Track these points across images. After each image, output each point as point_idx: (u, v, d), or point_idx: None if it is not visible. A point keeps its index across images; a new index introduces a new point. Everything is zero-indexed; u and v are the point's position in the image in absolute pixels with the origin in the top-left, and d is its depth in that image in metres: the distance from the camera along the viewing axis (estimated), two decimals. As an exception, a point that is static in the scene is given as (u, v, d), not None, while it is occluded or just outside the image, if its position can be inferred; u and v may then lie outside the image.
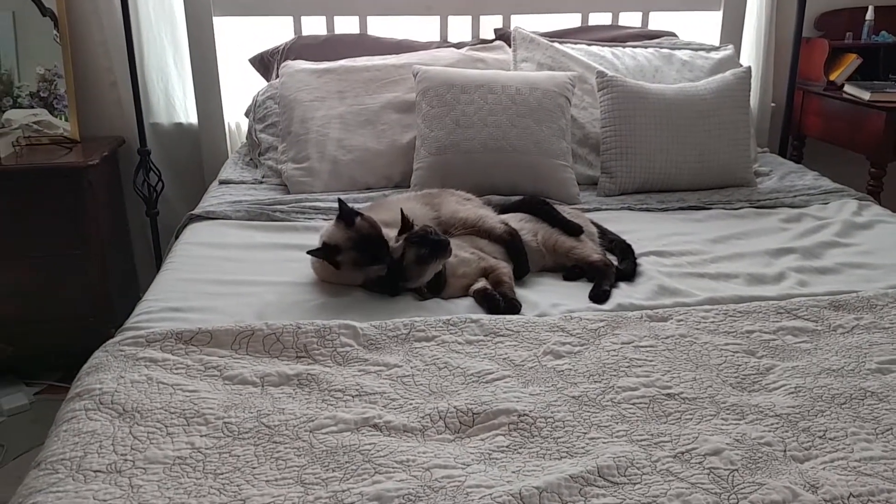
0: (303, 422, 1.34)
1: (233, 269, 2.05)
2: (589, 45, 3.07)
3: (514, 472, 1.22)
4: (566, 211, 2.23)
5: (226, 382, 1.46)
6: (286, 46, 3.13)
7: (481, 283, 1.92)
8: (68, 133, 3.17)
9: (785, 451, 1.29)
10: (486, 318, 1.71)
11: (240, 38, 3.31)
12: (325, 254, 1.88)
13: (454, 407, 1.38)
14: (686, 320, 1.74)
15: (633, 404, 1.42)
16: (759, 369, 1.55)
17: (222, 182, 2.79)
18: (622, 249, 2.16)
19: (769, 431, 1.33)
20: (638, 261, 2.11)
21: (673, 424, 1.36)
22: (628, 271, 2.04)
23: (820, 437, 1.32)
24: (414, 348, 1.59)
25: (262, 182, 2.78)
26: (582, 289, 1.95)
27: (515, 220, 2.16)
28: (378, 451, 1.26)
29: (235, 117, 3.39)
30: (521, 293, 1.92)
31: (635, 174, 2.69)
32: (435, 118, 2.64)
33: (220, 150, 3.29)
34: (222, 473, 1.20)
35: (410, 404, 1.40)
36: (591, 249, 2.08)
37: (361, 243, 1.87)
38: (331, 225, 1.96)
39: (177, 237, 2.36)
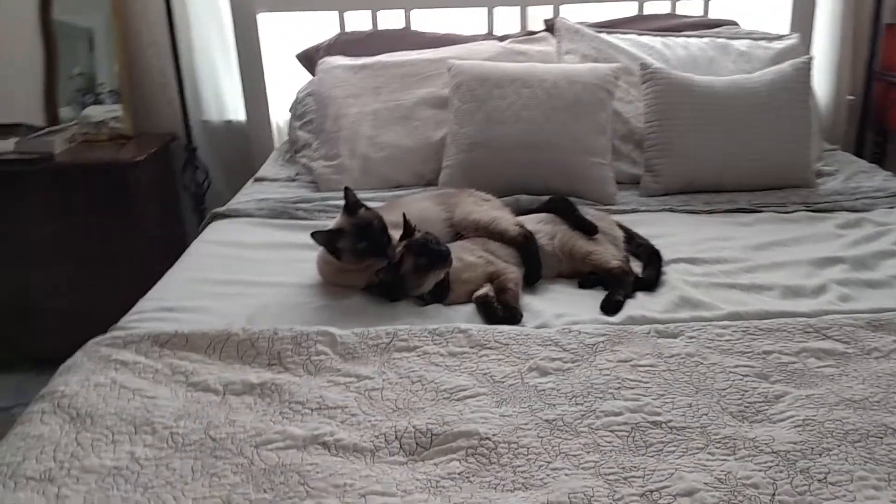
0: (250, 436, 1.27)
1: (241, 268, 2.02)
2: (639, 35, 2.89)
3: (456, 504, 1.12)
4: (589, 213, 2.09)
5: (188, 389, 1.41)
6: (329, 42, 3.09)
7: (484, 290, 1.81)
8: (123, 130, 3.24)
9: (773, 495, 1.13)
10: (476, 328, 1.60)
11: (289, 34, 3.29)
12: (326, 238, 1.82)
13: (413, 426, 1.29)
14: (698, 337, 1.57)
15: (612, 432, 1.28)
16: (768, 397, 1.38)
17: (257, 179, 2.78)
18: (648, 255, 2.00)
19: (759, 471, 1.17)
20: (665, 268, 1.95)
21: (651, 457, 1.22)
22: (649, 280, 1.89)
23: (819, 481, 1.15)
24: (392, 359, 1.50)
25: (294, 180, 2.75)
26: (595, 298, 1.81)
27: (533, 223, 2.04)
28: (317, 472, 1.18)
29: (284, 114, 3.39)
30: (527, 301, 1.80)
31: (680, 173, 2.50)
32: (466, 114, 2.54)
33: (266, 147, 3.29)
34: (152, 487, 1.15)
35: (369, 421, 1.32)
36: (610, 255, 1.93)
37: (362, 230, 1.81)
38: (338, 216, 1.91)
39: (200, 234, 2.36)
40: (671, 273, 1.93)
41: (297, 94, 3.04)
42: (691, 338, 1.57)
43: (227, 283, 1.93)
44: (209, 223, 2.39)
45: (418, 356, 1.51)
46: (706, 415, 1.33)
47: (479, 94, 2.54)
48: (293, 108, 3.00)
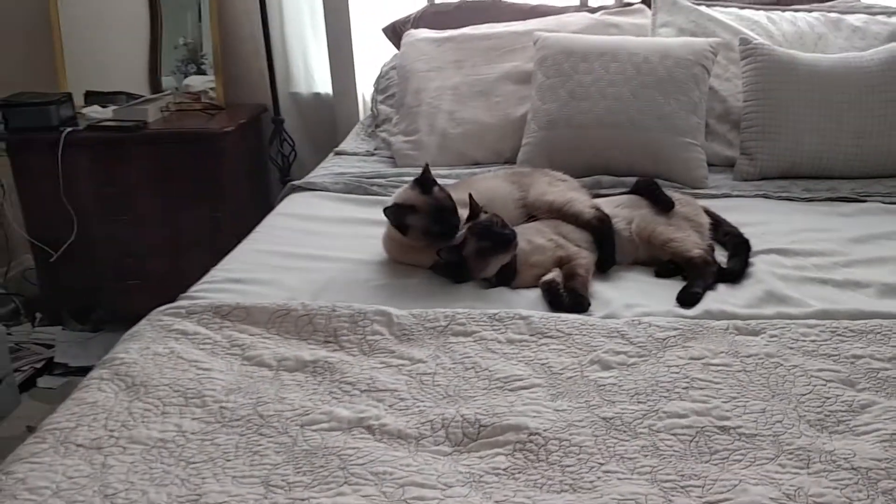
0: (297, 414, 1.25)
1: (310, 242, 2.01)
2: (742, 8, 2.70)
3: (497, 502, 1.06)
4: (674, 197, 1.97)
5: (243, 363, 1.41)
6: (416, 15, 3.03)
7: (552, 275, 1.73)
8: (216, 100, 3.30)
9: (848, 518, 1.02)
10: (538, 315, 1.53)
11: (379, 7, 3.26)
12: (395, 214, 1.78)
13: (462, 415, 1.24)
14: (781, 336, 1.45)
15: (675, 435, 1.20)
16: (853, 406, 1.25)
17: (337, 153, 2.77)
18: (735, 245, 1.87)
19: (835, 489, 1.07)
20: (752, 259, 1.82)
21: (714, 465, 1.13)
22: (734, 271, 1.76)
23: (903, 506, 1.04)
24: (448, 343, 1.45)
25: (373, 154, 2.72)
26: (671, 288, 1.71)
27: (610, 206, 1.94)
28: (359, 457, 1.15)
29: (370, 88, 3.37)
30: (597, 289, 1.72)
31: (779, 157, 2.33)
32: (549, 89, 2.45)
33: (351, 120, 3.27)
34: (194, 463, 1.15)
35: (417, 406, 1.28)
36: (692, 243, 1.81)
37: (434, 211, 1.77)
38: (406, 187, 1.87)
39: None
40: (759, 265, 1.79)
41: (381, 68, 3.01)
42: (773, 336, 1.46)
43: (295, 256, 1.92)
44: (287, 195, 2.39)
45: (475, 341, 1.45)
46: (780, 422, 1.22)
47: (565, 68, 2.43)
48: (377, 82, 2.97)
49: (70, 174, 2.97)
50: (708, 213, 1.98)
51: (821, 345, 1.42)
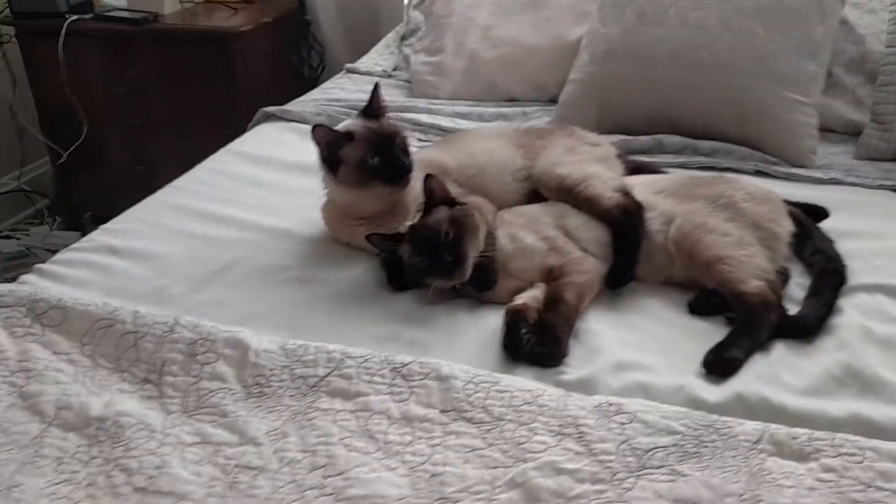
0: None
1: (245, 197, 1.54)
2: None
3: None
4: (742, 186, 1.34)
5: (12, 404, 0.98)
6: None
7: (528, 296, 1.19)
8: (245, -9, 2.81)
9: None
10: (464, 376, 1.00)
11: None
12: (325, 140, 1.31)
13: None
14: (844, 472, 0.87)
15: None
16: None
17: (349, 70, 2.24)
18: (824, 271, 1.24)
19: None
20: (842, 301, 1.19)
21: None
22: (805, 323, 1.15)
23: None
24: (312, 408, 0.96)
25: (390, 76, 2.19)
26: (707, 337, 1.13)
27: (649, 191, 1.34)
28: None
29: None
30: (592, 324, 1.16)
31: (927, 129, 1.62)
32: (613, 6, 1.80)
33: (397, 24, 2.72)
34: None
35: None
36: (753, 269, 1.19)
37: (378, 142, 1.30)
38: (348, 120, 1.43)
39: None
40: (850, 312, 1.17)
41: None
42: (830, 470, 0.87)
43: (212, 218, 1.47)
44: (258, 124, 1.91)
45: (353, 412, 0.96)
46: None
47: (638, -23, 1.77)
48: (416, -21, 2.38)
49: (77, 69, 2.61)
50: (794, 215, 1.34)
51: (914, 505, 0.83)
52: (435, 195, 1.22)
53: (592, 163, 1.39)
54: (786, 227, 1.30)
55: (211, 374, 1.00)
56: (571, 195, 1.33)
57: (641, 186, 1.36)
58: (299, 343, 1.04)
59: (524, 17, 2.01)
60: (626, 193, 1.31)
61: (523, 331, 1.11)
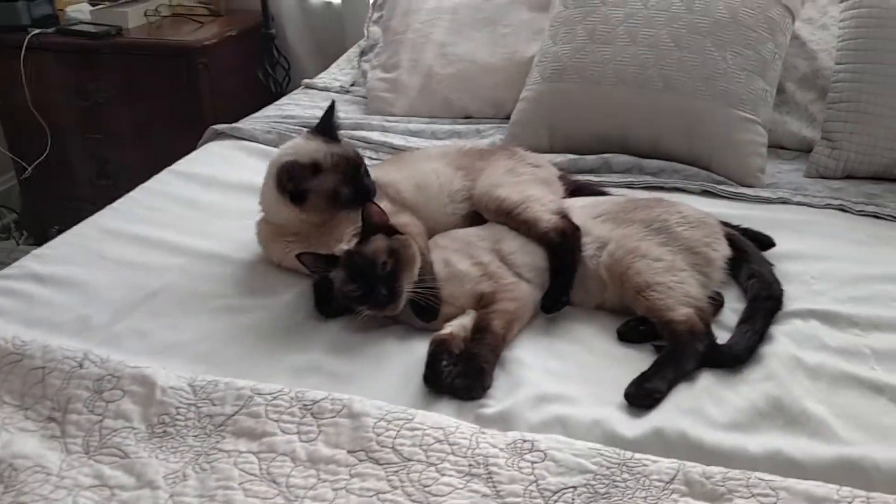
0: None
1: (186, 221, 1.52)
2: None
3: None
4: (678, 209, 1.32)
5: None
6: None
7: (456, 325, 1.17)
8: (213, 6, 2.80)
9: None
10: (376, 413, 0.97)
11: None
12: (292, 175, 1.27)
13: None
14: (761, 515, 0.84)
15: None
16: None
17: (307, 86, 2.22)
18: (758, 297, 1.22)
19: None
20: (776, 328, 1.17)
21: None
22: (732, 354, 1.12)
23: None
24: (215, 450, 0.93)
25: (348, 91, 2.16)
26: (635, 365, 1.10)
27: (588, 214, 1.32)
28: None
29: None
30: (518, 353, 1.14)
31: (876, 148, 1.60)
32: (565, 24, 1.78)
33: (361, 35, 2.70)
34: None
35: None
36: (681, 296, 1.17)
37: (347, 167, 1.29)
38: (300, 139, 1.39)
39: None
40: (781, 340, 1.15)
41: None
42: (746, 513, 0.85)
43: (148, 243, 1.44)
44: (208, 142, 1.89)
45: (257, 453, 0.93)
46: None
47: (591, -5, 1.76)
48: (378, -6, 2.36)
49: (40, 83, 2.58)
50: (732, 238, 1.32)
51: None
52: (373, 220, 1.20)
53: (533, 185, 1.37)
54: (721, 251, 1.27)
55: (115, 413, 0.98)
56: (510, 217, 1.31)
57: (579, 210, 1.34)
58: (209, 379, 1.02)
59: (481, 34, 1.98)
60: (563, 216, 1.29)
61: (444, 363, 1.08)
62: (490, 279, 1.22)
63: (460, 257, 1.25)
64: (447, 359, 1.09)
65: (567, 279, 1.24)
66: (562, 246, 1.26)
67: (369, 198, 1.26)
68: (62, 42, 2.58)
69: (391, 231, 1.20)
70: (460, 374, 1.08)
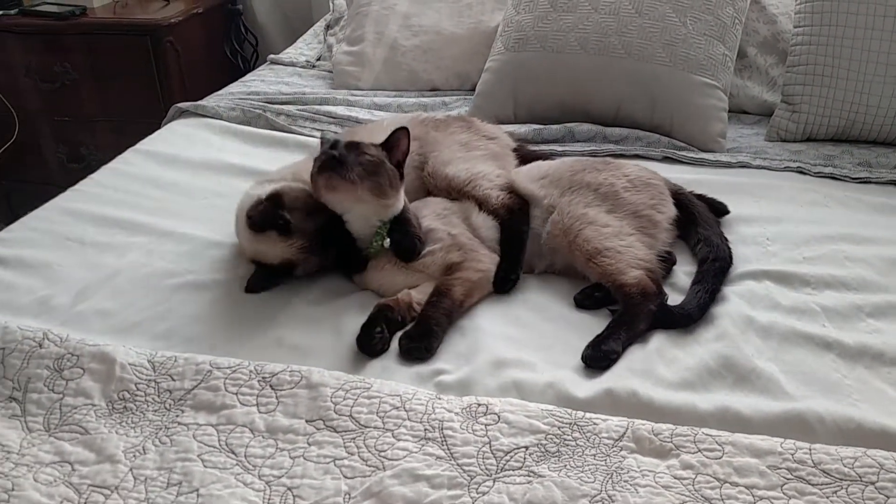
0: None
1: (149, 200, 1.51)
2: None
3: None
4: (628, 171, 1.33)
5: None
6: None
7: (404, 292, 1.18)
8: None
9: None
10: (335, 382, 0.99)
11: None
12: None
13: None
14: (702, 469, 0.87)
15: None
16: None
17: (273, 61, 2.21)
18: (705, 260, 1.24)
19: None
20: (729, 289, 1.20)
21: None
22: (683, 313, 1.14)
23: None
24: (176, 423, 0.95)
25: (314, 66, 2.15)
26: (590, 330, 1.12)
27: (535, 176, 1.33)
28: None
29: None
30: (478, 321, 1.15)
31: (834, 110, 1.62)
32: (527, -6, 1.78)
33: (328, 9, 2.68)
34: None
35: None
36: (630, 259, 1.19)
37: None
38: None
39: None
40: (733, 300, 1.17)
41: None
42: (689, 467, 0.87)
43: (109, 223, 1.43)
44: (171, 120, 1.88)
45: (216, 425, 0.94)
46: None
47: (550, -37, 1.75)
48: (343, -36, 2.34)
49: (5, 66, 2.56)
50: (681, 198, 1.33)
51: (771, 500, 0.83)
52: (391, 143, 1.22)
53: (482, 160, 1.38)
54: (666, 212, 1.29)
55: (75, 390, 0.99)
56: (461, 195, 1.32)
57: (524, 175, 1.35)
58: (168, 355, 1.03)
59: (444, 4, 1.98)
60: (511, 192, 1.30)
61: (377, 329, 1.10)
62: (460, 249, 1.23)
63: (436, 219, 1.26)
64: (384, 324, 1.11)
65: (515, 256, 1.25)
66: (509, 222, 1.27)
67: None
68: (26, 23, 2.54)
69: (398, 166, 1.22)
70: (407, 336, 1.09)
